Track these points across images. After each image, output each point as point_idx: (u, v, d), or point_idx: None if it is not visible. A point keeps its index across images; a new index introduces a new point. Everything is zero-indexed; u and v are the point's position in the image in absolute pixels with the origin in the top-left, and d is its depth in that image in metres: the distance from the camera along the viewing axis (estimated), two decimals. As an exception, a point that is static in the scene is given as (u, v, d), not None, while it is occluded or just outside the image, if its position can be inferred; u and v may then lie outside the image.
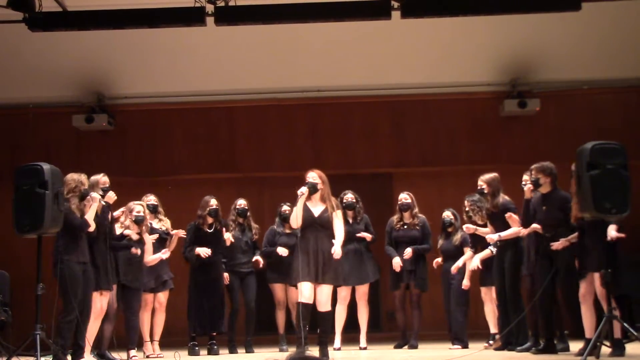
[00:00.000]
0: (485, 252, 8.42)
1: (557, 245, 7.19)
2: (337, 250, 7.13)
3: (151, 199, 8.72)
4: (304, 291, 6.95)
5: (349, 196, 9.11)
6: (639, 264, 9.48)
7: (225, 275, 9.05)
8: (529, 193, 7.51)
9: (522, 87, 11.54)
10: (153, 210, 8.68)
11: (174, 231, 8.73)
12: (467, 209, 8.64)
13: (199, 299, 8.79)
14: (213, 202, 8.94)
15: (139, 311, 8.24)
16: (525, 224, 7.60)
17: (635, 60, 11.16)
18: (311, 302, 6.99)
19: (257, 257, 9.21)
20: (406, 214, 9.18)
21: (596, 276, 6.71)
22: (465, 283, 8.74)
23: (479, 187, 8.25)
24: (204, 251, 8.73)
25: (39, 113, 11.85)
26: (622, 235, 6.75)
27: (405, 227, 9.16)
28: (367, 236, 9.07)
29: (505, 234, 7.88)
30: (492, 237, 8.10)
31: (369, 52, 11.14)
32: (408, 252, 8.97)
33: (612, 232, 6.69)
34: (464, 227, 8.55)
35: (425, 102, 11.83)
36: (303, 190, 7.10)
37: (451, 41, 10.97)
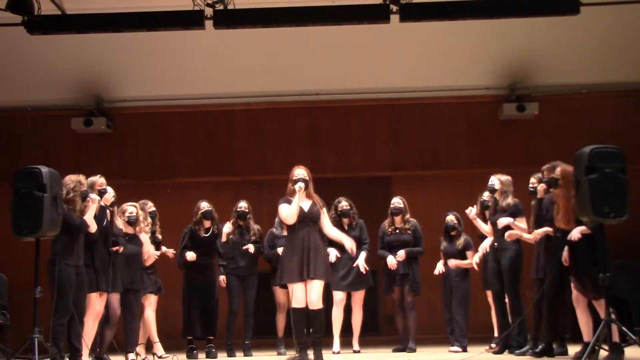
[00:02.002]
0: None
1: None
2: (352, 247, 7.59)
3: (150, 205, 8.70)
4: (298, 295, 6.92)
5: (344, 204, 9.10)
6: (637, 269, 9.48)
7: (222, 278, 9.07)
8: (542, 193, 7.47)
9: (521, 90, 11.56)
10: (154, 217, 8.68)
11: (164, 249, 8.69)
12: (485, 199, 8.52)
13: (194, 303, 8.79)
14: (204, 205, 8.99)
15: (139, 315, 8.23)
16: (538, 224, 7.57)
17: (634, 65, 11.17)
18: (304, 305, 6.96)
19: (249, 245, 9.18)
20: (397, 219, 9.19)
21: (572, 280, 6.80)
22: (476, 260, 8.73)
23: (490, 183, 8.25)
24: (190, 255, 8.77)
25: (38, 116, 11.86)
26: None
27: (397, 231, 9.17)
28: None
29: (512, 232, 7.90)
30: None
31: (367, 56, 11.15)
32: (401, 254, 8.98)
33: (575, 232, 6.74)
34: (468, 210, 8.53)
35: (424, 106, 11.84)
36: (301, 185, 7.08)
37: (450, 45, 10.98)
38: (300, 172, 7.20)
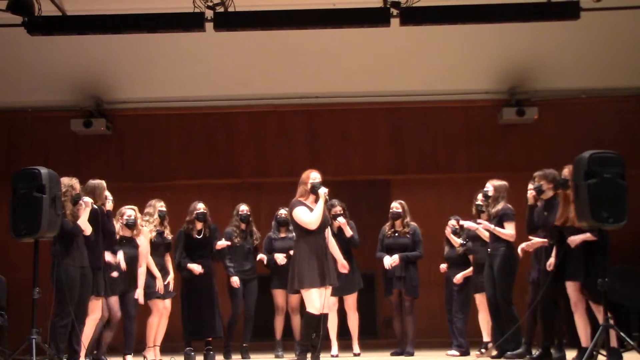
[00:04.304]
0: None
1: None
2: (344, 263, 7.43)
3: (162, 204, 8.68)
4: (317, 302, 6.85)
5: (338, 208, 9.08)
6: (635, 274, 9.48)
7: (235, 279, 9.08)
8: (532, 199, 7.47)
9: (521, 95, 11.56)
10: (163, 217, 8.67)
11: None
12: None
13: (192, 305, 8.79)
14: (200, 207, 8.96)
15: (135, 316, 8.23)
16: (529, 230, 7.57)
17: (634, 70, 11.18)
18: (321, 312, 6.89)
19: (262, 255, 9.26)
20: (397, 222, 9.20)
21: (578, 285, 6.77)
22: (457, 277, 8.82)
23: (485, 189, 8.26)
24: (197, 268, 8.76)
25: (38, 117, 11.86)
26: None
27: (396, 234, 9.18)
28: (348, 232, 8.97)
29: (500, 231, 7.91)
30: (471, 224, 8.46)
31: (367, 59, 11.15)
32: (395, 258, 8.98)
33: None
34: (466, 224, 8.62)
35: (424, 110, 11.84)
36: (326, 190, 7.02)
37: (450, 49, 10.99)
38: (316, 175, 7.13)
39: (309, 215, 6.97)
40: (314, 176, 7.12)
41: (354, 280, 9.03)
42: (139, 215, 8.26)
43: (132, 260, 8.09)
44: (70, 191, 7.08)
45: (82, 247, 7.09)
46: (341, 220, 8.90)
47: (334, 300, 8.96)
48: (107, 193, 7.73)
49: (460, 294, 8.88)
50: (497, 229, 7.88)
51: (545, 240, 7.45)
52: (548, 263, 7.08)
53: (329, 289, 7.01)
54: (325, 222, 7.08)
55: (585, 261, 6.68)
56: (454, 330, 8.95)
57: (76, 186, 7.18)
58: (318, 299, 6.85)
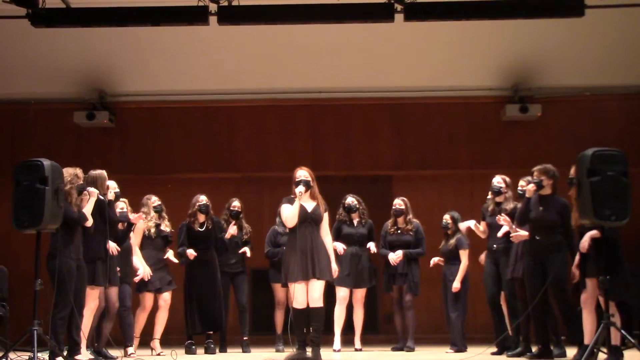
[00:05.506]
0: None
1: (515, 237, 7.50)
2: (335, 268, 7.22)
3: (154, 200, 8.71)
4: (298, 296, 6.90)
5: (350, 200, 9.12)
6: (637, 272, 9.47)
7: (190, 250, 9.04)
8: (532, 193, 7.42)
9: (524, 92, 11.56)
10: (160, 211, 8.69)
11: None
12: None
13: (195, 298, 8.79)
14: (202, 199, 8.96)
15: (131, 307, 8.25)
16: (521, 222, 7.54)
17: (638, 68, 11.16)
18: (305, 306, 6.94)
19: (245, 249, 9.20)
20: (400, 219, 9.20)
21: (594, 282, 6.72)
22: (456, 286, 8.67)
23: (497, 184, 8.20)
24: (189, 252, 8.75)
25: (41, 109, 11.87)
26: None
27: (399, 231, 9.18)
28: (373, 249, 9.13)
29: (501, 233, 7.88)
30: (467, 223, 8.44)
31: (370, 55, 11.15)
32: (398, 254, 8.98)
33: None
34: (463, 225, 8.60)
35: (426, 106, 11.85)
36: (301, 189, 7.03)
37: (453, 45, 10.98)
38: (302, 173, 7.13)
39: (284, 212, 7.05)
40: (299, 174, 7.14)
41: (368, 276, 9.06)
42: (129, 208, 8.28)
43: (126, 253, 8.13)
44: (75, 180, 7.10)
45: (80, 239, 7.10)
46: None
47: (345, 293, 8.98)
48: (114, 184, 7.75)
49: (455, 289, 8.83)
50: (515, 228, 7.80)
51: (527, 234, 7.45)
52: (575, 264, 7.03)
53: (318, 281, 6.90)
54: (311, 217, 7.03)
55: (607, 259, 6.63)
56: (449, 327, 8.89)
57: (80, 175, 7.20)
58: (300, 294, 6.89)
